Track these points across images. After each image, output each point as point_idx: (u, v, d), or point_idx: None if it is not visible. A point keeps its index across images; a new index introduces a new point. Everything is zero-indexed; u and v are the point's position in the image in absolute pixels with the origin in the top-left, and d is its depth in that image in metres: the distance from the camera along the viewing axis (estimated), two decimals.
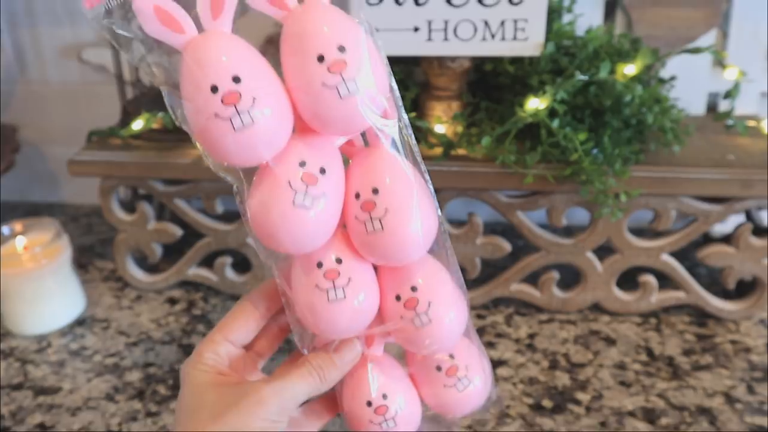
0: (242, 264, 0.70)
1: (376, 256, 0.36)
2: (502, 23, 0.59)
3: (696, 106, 0.72)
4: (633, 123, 0.61)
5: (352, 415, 0.40)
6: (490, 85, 0.67)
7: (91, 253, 0.80)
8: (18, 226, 0.67)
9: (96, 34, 0.81)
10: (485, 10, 0.59)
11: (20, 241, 0.66)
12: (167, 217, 0.72)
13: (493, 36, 0.60)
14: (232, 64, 0.31)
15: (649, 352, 0.61)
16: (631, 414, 0.54)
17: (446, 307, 0.38)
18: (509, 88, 0.65)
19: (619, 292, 0.66)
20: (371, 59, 0.33)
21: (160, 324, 0.67)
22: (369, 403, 0.39)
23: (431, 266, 0.38)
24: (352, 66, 0.32)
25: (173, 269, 0.71)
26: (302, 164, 0.34)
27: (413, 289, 0.37)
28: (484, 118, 0.65)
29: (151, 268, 0.73)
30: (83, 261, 0.78)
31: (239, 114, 0.31)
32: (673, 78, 0.67)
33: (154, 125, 0.67)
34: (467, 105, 0.67)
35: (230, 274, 0.70)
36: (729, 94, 0.67)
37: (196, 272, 0.71)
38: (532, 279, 0.67)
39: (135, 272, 0.72)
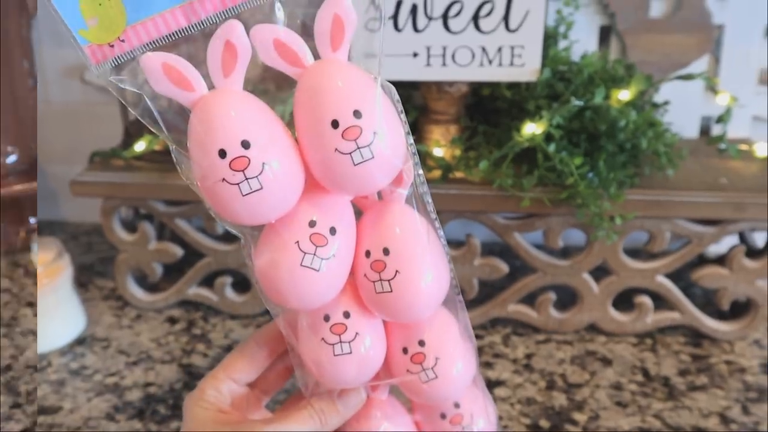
0: (242, 284, 0.71)
1: (384, 314, 0.36)
2: (500, 49, 0.60)
3: (689, 130, 0.74)
4: (628, 147, 0.62)
5: None
6: (488, 109, 0.68)
7: (92, 271, 0.80)
8: None
9: None
10: (483, 36, 0.60)
11: None
12: (168, 237, 0.73)
13: (490, 62, 0.61)
14: (242, 127, 0.30)
15: (645, 373, 0.62)
16: None
17: (453, 361, 0.37)
18: (506, 113, 0.66)
19: (615, 313, 0.67)
20: (387, 121, 0.31)
21: (160, 343, 0.67)
22: None
23: (440, 319, 0.38)
24: (368, 132, 0.30)
25: (173, 289, 0.72)
26: (312, 224, 0.32)
27: (421, 343, 0.37)
28: (481, 141, 0.66)
29: (152, 288, 0.73)
30: (83, 279, 0.78)
31: (248, 180, 0.30)
32: (666, 102, 0.68)
33: (156, 147, 0.68)
34: (465, 129, 0.68)
35: (230, 293, 0.71)
36: (721, 119, 0.69)
37: (196, 292, 0.72)
38: (529, 300, 0.67)
39: (135, 291, 0.72)
